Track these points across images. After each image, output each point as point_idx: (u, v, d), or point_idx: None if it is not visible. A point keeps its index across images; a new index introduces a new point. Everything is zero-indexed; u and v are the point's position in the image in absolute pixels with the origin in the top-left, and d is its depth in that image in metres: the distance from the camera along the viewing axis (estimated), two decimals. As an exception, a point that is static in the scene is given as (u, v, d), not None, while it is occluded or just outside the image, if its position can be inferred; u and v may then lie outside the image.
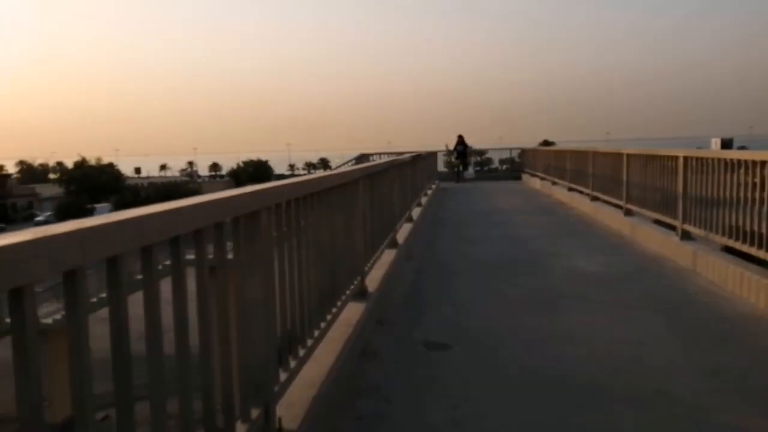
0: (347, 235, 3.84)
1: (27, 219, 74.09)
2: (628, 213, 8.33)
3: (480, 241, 7.85)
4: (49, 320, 20.87)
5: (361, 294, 4.10)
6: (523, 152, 22.79)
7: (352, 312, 3.75)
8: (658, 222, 7.36)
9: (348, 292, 3.74)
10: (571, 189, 12.64)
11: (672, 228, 6.58)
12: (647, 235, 7.17)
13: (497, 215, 10.74)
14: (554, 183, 14.72)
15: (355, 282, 4.03)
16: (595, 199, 10.50)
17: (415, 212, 8.83)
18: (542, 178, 16.76)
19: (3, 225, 68.88)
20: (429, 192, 13.24)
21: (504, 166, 27.55)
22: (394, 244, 6.10)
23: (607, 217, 9.06)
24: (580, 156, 11.94)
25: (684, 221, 6.21)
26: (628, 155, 8.45)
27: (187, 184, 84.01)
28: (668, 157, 6.89)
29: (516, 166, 22.99)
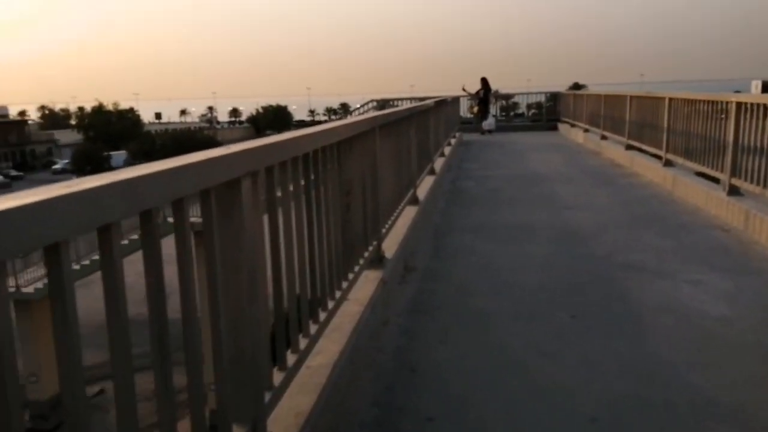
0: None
1: (46, 166, 73.17)
2: (734, 191, 5.68)
3: (513, 238, 5.29)
4: (31, 289, 19.17)
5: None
6: (559, 97, 19.71)
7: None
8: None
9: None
10: (630, 147, 9.88)
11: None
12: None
13: (535, 186, 8.10)
14: (604, 137, 11.92)
15: None
16: (669, 163, 7.81)
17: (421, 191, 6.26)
18: (586, 130, 13.92)
19: (21, 173, 68.15)
20: (447, 150, 10.61)
21: (531, 111, 24.50)
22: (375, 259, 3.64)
23: (696, 193, 6.41)
24: (646, 103, 9.13)
25: None
26: (739, 104, 5.72)
27: (203, 131, 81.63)
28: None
29: (549, 112, 19.93)
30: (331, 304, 2.62)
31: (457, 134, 14.80)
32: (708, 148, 6.47)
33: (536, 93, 23.95)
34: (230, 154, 1.55)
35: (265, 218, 1.96)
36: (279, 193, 2.08)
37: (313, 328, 2.31)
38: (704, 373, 2.67)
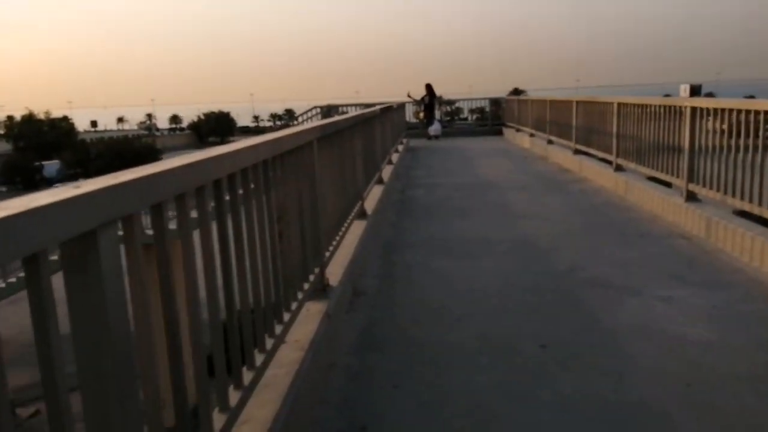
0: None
1: (-30, 178, 68.83)
2: (691, 198, 5.51)
3: (469, 254, 4.91)
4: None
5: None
6: (503, 102, 19.73)
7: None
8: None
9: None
10: (578, 152, 9.76)
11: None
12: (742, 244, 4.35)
13: (486, 194, 7.80)
14: (550, 142, 11.83)
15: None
16: (620, 168, 7.66)
17: (371, 198, 5.79)
18: (532, 135, 13.85)
19: (-59, 186, 63.80)
20: (395, 157, 10.22)
21: (474, 116, 24.69)
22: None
23: (652, 200, 6.22)
24: (593, 108, 9.01)
25: None
26: (693, 108, 5.55)
27: (142, 138, 78.52)
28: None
29: (494, 117, 19.90)
30: (260, 359, 2.12)
31: (404, 140, 14.48)
32: (661, 152, 6.32)
33: (478, 99, 24.14)
34: (84, 194, 1.05)
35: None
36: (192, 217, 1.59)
37: (234, 397, 1.81)
38: (700, 418, 2.32)
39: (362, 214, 5.05)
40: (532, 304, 3.63)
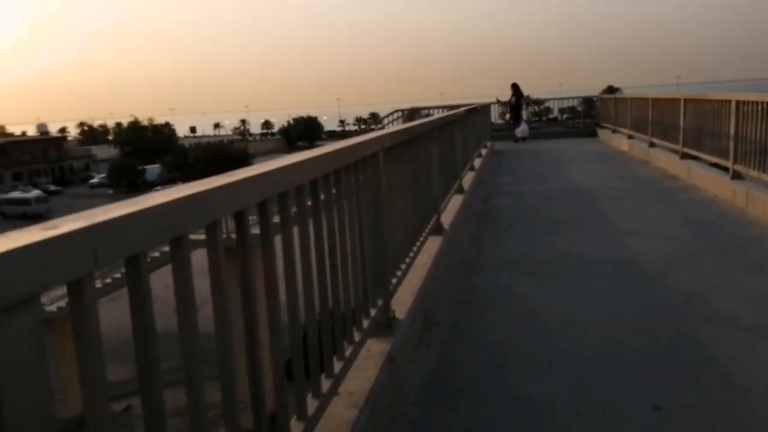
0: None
1: (83, 180, 74.53)
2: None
3: (560, 277, 4.29)
4: (54, 308, 18.87)
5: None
6: (597, 101, 18.49)
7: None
8: None
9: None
10: (686, 155, 8.73)
11: None
12: None
13: (579, 204, 7.05)
14: (652, 144, 10.76)
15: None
16: (737, 175, 6.68)
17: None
18: (630, 137, 12.74)
19: (59, 188, 69.41)
20: (477, 162, 9.61)
21: (564, 116, 23.41)
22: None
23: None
24: (704, 107, 7.99)
25: None
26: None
27: (235, 143, 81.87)
28: None
29: (586, 117, 18.69)
30: (299, 427, 1.70)
31: (489, 143, 13.80)
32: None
33: (569, 98, 22.95)
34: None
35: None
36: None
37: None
38: None
39: (438, 229, 4.56)
40: (642, 348, 2.99)
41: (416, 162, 3.91)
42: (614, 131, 14.85)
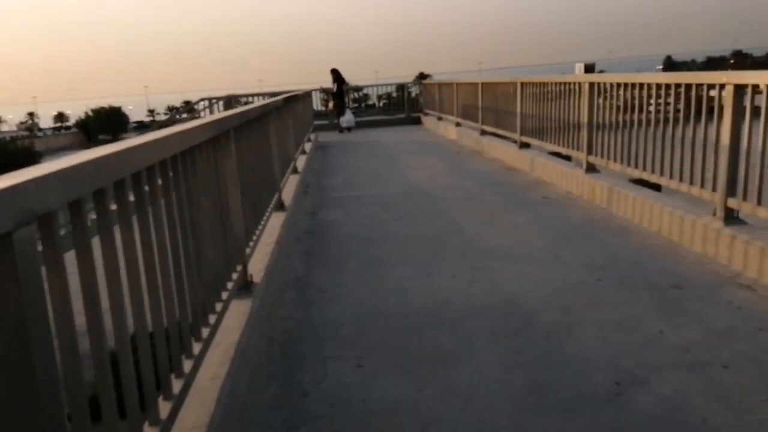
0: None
1: None
2: (730, 218, 3.83)
3: (429, 345, 2.92)
4: None
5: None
6: (422, 87, 17.97)
7: None
8: None
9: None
10: (525, 145, 8.04)
11: None
12: None
13: (427, 214, 5.85)
14: (484, 132, 10.10)
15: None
16: (592, 168, 5.96)
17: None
18: (458, 124, 12.12)
19: None
20: (302, 161, 8.05)
21: (382, 102, 23.51)
22: None
23: (663, 217, 4.52)
24: (545, 90, 7.27)
25: None
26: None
27: (19, 140, 70.30)
28: None
29: (410, 105, 18.10)
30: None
31: (312, 136, 12.32)
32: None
33: (386, 84, 23.10)
34: None
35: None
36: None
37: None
38: None
39: (245, 287, 2.91)
40: None
41: (218, 175, 2.25)
42: (440, 118, 14.25)
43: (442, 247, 4.47)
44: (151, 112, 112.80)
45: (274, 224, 4.16)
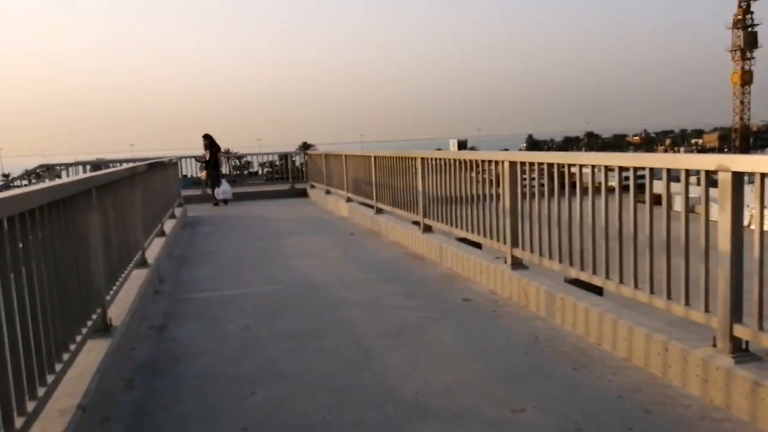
0: None
1: None
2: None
3: None
4: None
5: None
6: (308, 157, 16.82)
7: None
8: None
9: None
10: (428, 229, 6.96)
11: None
12: None
13: (320, 325, 4.43)
14: (380, 211, 8.99)
15: None
16: (518, 264, 4.92)
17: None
18: (349, 200, 10.97)
19: None
20: (156, 245, 6.34)
21: (266, 170, 22.87)
22: None
23: (600, 325, 3.46)
24: (439, 164, 6.27)
25: None
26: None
27: None
28: None
29: (294, 175, 16.87)
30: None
31: (180, 210, 10.58)
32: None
33: (269, 153, 23.12)
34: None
35: None
36: None
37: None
38: None
39: None
40: None
41: None
42: (328, 192, 13.07)
43: (349, 398, 3.05)
44: (6, 176, 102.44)
45: (83, 365, 2.54)
